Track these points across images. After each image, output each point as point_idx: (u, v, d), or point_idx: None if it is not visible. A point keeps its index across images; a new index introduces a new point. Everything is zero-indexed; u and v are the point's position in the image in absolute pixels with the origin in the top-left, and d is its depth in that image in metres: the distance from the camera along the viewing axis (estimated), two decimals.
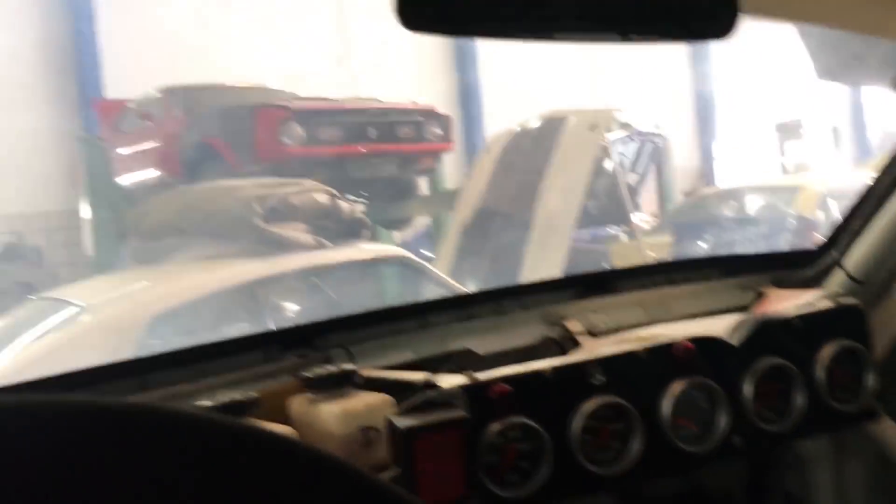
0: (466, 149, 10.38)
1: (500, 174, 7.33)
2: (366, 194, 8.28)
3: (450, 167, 8.94)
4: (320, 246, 6.07)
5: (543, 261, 6.49)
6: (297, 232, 6.10)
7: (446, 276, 6.50)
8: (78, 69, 9.52)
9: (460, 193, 7.81)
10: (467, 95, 11.15)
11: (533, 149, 7.12)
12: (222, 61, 9.41)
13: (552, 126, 7.16)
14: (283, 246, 5.91)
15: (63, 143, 9.12)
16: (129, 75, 9.12)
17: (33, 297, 5.77)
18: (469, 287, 6.45)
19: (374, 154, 8.08)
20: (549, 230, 6.66)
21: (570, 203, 6.74)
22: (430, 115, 8.49)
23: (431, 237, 8.78)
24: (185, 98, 8.35)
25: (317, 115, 7.86)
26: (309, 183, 6.61)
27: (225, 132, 7.80)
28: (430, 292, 6.36)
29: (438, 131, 8.54)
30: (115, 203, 7.47)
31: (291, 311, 5.71)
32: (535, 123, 7.39)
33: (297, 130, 7.71)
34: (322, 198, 6.47)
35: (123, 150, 8.25)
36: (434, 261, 7.42)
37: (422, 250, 8.68)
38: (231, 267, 5.58)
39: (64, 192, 8.54)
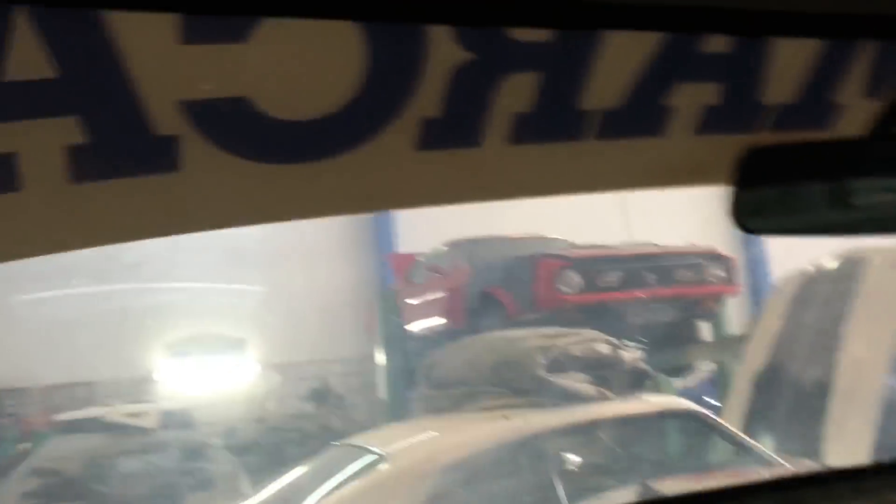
0: (751, 291, 9.87)
1: (793, 318, 6.86)
2: (645, 341, 8.10)
3: (734, 311, 8.53)
4: (602, 397, 5.99)
5: (851, 416, 5.88)
6: (578, 383, 6.08)
7: (737, 431, 6.09)
8: (374, 226, 10.47)
9: (748, 339, 7.39)
10: (750, 235, 10.71)
11: (830, 291, 6.61)
12: (503, 213, 9.88)
13: (851, 265, 6.63)
14: (566, 397, 5.91)
15: (361, 294, 9.96)
16: (419, 231, 9.86)
17: (336, 443, 6.20)
18: (764, 444, 5.98)
19: (653, 299, 7.95)
20: (855, 381, 6.06)
21: (879, 351, 6.11)
22: (710, 256, 8.26)
23: (716, 385, 8.33)
24: (468, 250, 8.84)
25: (594, 263, 7.94)
26: (588, 332, 6.61)
27: (505, 282, 8.10)
28: (720, 447, 5.99)
29: (720, 273, 8.25)
30: (407, 352, 7.95)
31: (575, 465, 5.62)
32: (830, 263, 6.90)
33: (575, 278, 7.82)
34: (602, 347, 6.43)
35: (414, 301, 8.83)
36: (722, 412, 7.00)
37: (706, 398, 8.24)
38: (516, 418, 5.66)
39: (361, 340, 9.25)
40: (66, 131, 1.12)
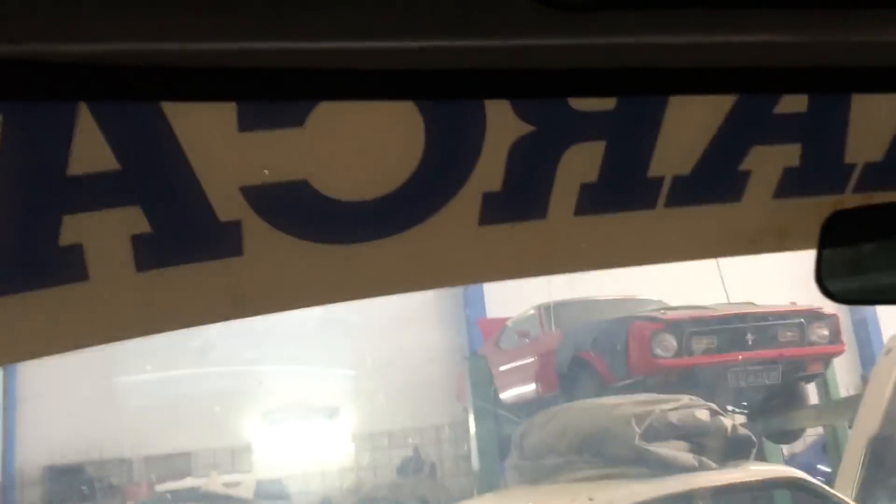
0: (861, 351, 9.38)
1: None
2: (747, 405, 7.76)
3: (843, 372, 8.09)
4: (703, 466, 5.72)
5: None
6: (677, 451, 5.83)
7: (851, 501, 5.71)
8: (463, 292, 10.47)
9: (859, 401, 6.97)
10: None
11: None
12: (592, 275, 9.75)
13: None
14: (665, 467, 5.67)
15: (451, 360, 9.92)
16: (509, 295, 9.80)
17: None
18: None
19: (753, 362, 7.62)
20: None
21: None
22: (813, 316, 7.88)
23: (827, 451, 7.87)
24: (558, 313, 8.71)
25: (689, 325, 7.70)
26: (686, 398, 6.36)
27: (597, 346, 7.91)
28: None
29: (825, 333, 7.86)
30: (498, 419, 7.81)
31: None
32: None
33: (670, 341, 7.58)
34: (702, 414, 6.17)
35: (504, 367, 8.72)
36: (834, 480, 6.59)
37: (817, 465, 7.80)
38: (613, 489, 5.45)
39: (453, 408, 9.16)
40: (130, 221, 1.14)
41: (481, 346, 9.43)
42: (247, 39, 0.57)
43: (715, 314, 7.86)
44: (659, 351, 7.50)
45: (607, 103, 1.27)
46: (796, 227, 1.42)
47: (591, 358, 7.86)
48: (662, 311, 7.99)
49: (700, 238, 1.43)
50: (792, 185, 1.39)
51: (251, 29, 0.56)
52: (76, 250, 1.12)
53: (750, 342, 7.62)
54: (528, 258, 1.37)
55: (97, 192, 1.10)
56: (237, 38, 0.56)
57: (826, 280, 1.27)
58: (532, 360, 8.47)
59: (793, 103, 1.34)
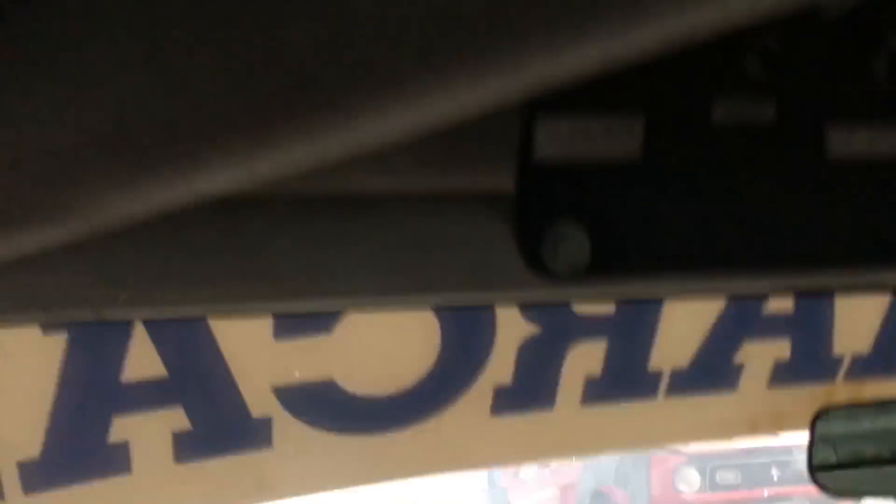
0: None
1: None
2: None
3: None
4: None
5: None
6: None
7: None
8: None
9: None
10: None
11: None
12: None
13: None
14: None
15: (470, 490, 9.74)
16: None
17: None
18: None
19: (780, 497, 7.47)
20: None
21: None
22: None
23: None
24: None
25: (713, 458, 7.60)
26: None
27: (619, 479, 7.81)
28: None
29: None
30: None
31: None
32: None
33: (693, 475, 7.48)
34: None
35: (524, 499, 8.59)
36: None
37: None
38: None
39: None
40: (172, 419, 1.27)
41: (501, 476, 9.30)
42: (279, 289, 0.71)
43: (739, 447, 7.76)
44: (682, 485, 7.39)
45: (607, 306, 1.40)
46: (791, 413, 1.51)
47: (612, 492, 7.74)
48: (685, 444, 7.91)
49: (700, 424, 1.53)
50: (784, 375, 1.49)
51: (282, 285, 0.71)
52: (123, 447, 1.24)
53: (775, 477, 7.48)
54: (538, 445, 1.47)
55: (146, 396, 1.24)
56: (272, 286, 0.70)
57: (818, 474, 1.35)
58: (553, 492, 8.35)
59: (780, 302, 1.46)
